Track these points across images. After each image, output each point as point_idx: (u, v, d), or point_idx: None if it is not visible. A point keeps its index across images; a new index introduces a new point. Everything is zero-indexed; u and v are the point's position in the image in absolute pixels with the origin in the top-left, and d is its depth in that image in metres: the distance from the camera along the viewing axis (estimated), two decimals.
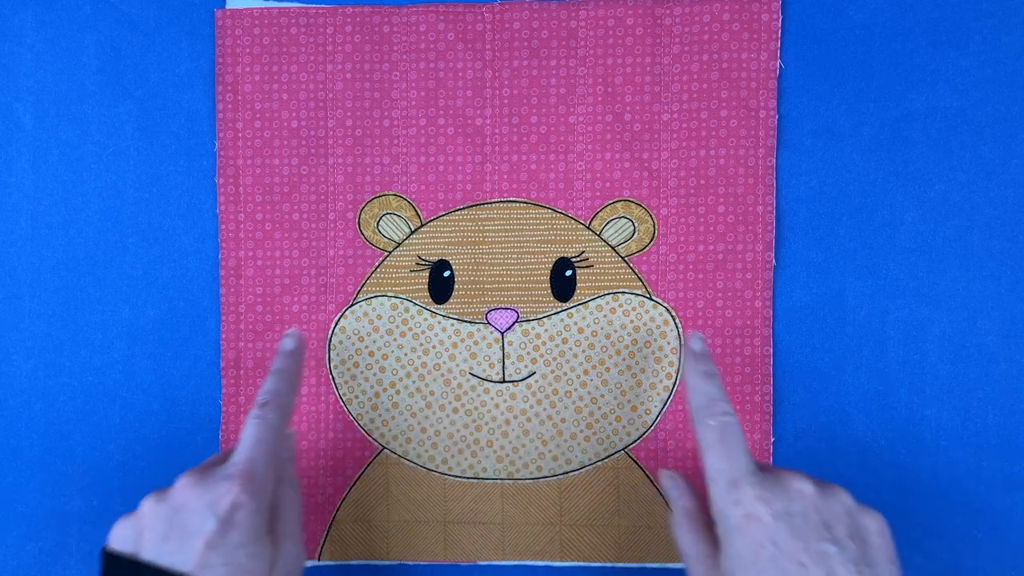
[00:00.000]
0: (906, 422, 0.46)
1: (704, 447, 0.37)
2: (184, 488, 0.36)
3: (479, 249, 0.47)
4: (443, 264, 0.47)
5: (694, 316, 0.46)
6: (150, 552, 0.34)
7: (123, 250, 0.47)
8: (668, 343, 0.46)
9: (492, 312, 0.47)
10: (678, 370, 0.46)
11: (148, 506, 0.36)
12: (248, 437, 0.37)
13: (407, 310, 0.47)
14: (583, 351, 0.46)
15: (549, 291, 0.46)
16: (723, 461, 0.36)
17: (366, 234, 0.47)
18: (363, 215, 0.47)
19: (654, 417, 0.46)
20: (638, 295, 0.46)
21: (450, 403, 0.47)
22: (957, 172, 0.46)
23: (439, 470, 0.47)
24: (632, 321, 0.46)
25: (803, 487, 0.35)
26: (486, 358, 0.47)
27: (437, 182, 0.47)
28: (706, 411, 0.38)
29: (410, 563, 0.47)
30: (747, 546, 0.34)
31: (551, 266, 0.46)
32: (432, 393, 0.47)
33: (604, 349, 0.46)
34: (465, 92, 0.46)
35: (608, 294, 0.46)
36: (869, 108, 0.46)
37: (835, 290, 0.46)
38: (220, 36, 0.46)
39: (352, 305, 0.47)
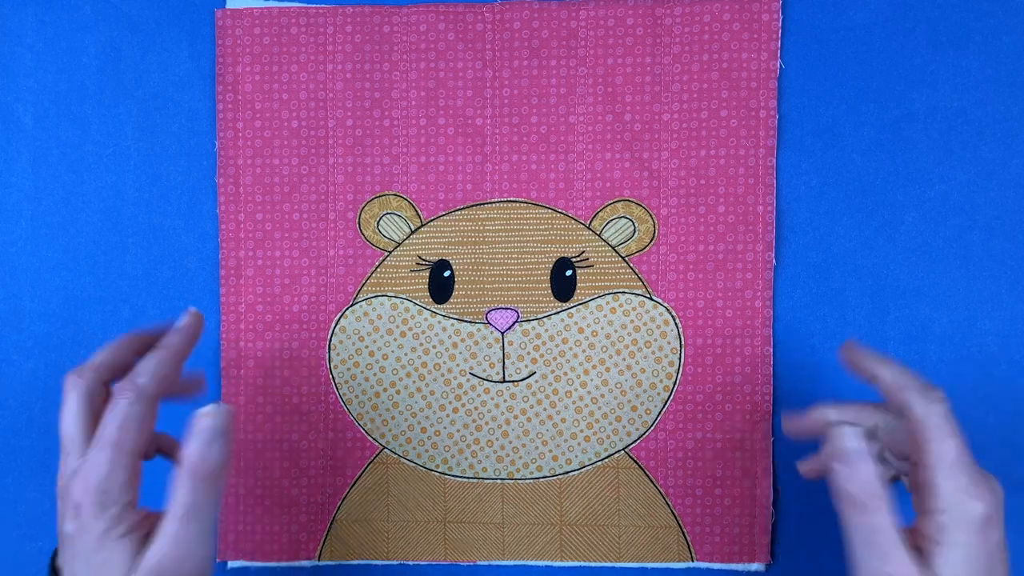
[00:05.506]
0: None
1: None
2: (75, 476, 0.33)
3: (479, 249, 0.47)
4: (443, 264, 0.47)
5: (694, 316, 0.46)
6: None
7: (123, 250, 0.47)
8: (668, 343, 0.46)
9: (492, 312, 0.46)
10: (678, 370, 0.46)
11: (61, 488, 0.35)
12: (104, 429, 0.33)
13: (407, 310, 0.47)
14: (583, 351, 0.46)
15: (549, 291, 0.46)
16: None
17: (366, 234, 0.47)
18: (363, 215, 0.47)
19: (654, 417, 0.46)
20: (638, 295, 0.46)
21: (450, 403, 0.47)
22: (957, 172, 0.46)
23: (439, 470, 0.47)
24: (632, 321, 0.46)
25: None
26: (486, 358, 0.47)
27: (437, 182, 0.47)
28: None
29: (410, 563, 0.47)
30: None
31: (551, 266, 0.46)
32: (432, 393, 0.47)
33: (604, 349, 0.46)
34: (465, 92, 0.46)
35: (608, 294, 0.46)
36: (869, 108, 0.46)
37: (835, 290, 0.46)
38: (220, 36, 0.46)
39: (352, 305, 0.47)
